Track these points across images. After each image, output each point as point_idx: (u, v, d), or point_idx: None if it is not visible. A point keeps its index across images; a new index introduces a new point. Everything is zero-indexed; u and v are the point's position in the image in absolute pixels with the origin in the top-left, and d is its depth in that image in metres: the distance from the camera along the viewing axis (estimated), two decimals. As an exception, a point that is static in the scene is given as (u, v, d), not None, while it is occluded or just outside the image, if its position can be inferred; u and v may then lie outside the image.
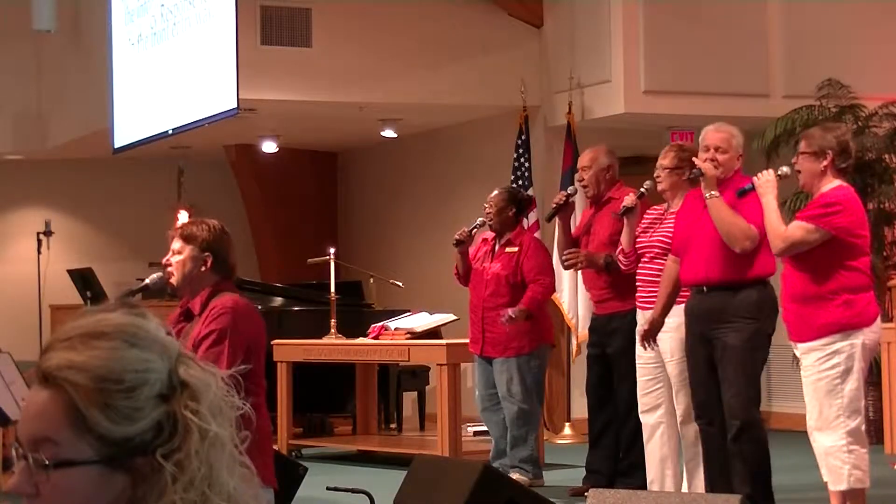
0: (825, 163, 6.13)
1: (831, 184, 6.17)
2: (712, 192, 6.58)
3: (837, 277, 6.06)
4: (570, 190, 8.42)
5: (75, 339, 1.60)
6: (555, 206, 8.27)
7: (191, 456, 1.58)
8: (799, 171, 6.18)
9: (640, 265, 7.41)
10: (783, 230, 6.06)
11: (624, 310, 7.77)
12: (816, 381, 6.04)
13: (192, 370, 1.63)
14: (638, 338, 7.15)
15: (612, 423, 8.08)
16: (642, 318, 7.31)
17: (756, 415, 6.70)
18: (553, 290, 8.94)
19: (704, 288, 6.69)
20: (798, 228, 6.05)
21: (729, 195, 6.64)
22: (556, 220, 8.37)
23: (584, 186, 8.20)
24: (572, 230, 8.35)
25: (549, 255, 8.89)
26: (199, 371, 1.63)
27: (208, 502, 1.58)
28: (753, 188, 6.26)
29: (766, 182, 6.18)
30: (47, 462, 1.57)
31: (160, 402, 1.59)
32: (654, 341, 7.05)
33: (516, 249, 8.63)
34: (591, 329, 8.34)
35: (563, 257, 8.08)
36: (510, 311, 8.41)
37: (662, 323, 7.00)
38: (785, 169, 6.24)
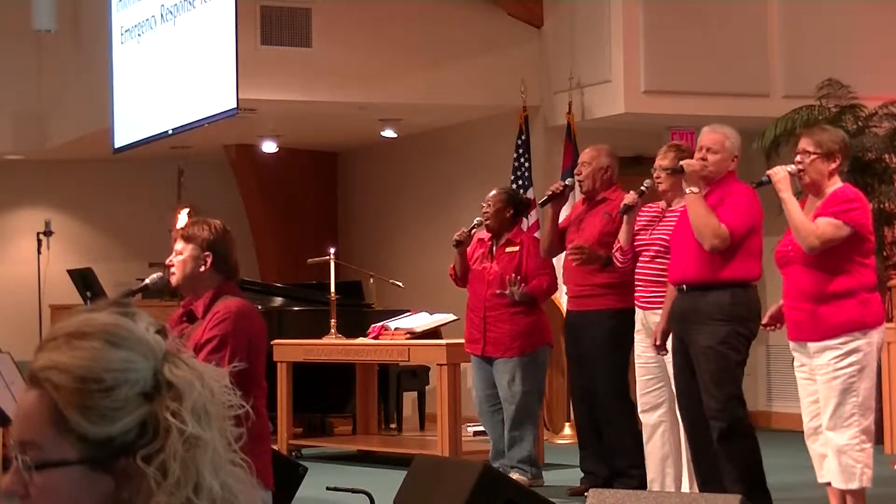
0: (834, 165, 6.13)
1: (837, 183, 6.18)
2: (692, 189, 6.65)
3: (855, 275, 6.05)
4: (568, 181, 8.45)
5: (60, 340, 1.61)
6: (550, 193, 8.29)
7: (170, 457, 1.57)
8: (802, 171, 6.16)
9: (640, 264, 7.41)
10: (815, 227, 6.03)
11: (608, 308, 7.81)
12: (831, 380, 6.01)
13: (178, 370, 1.61)
14: (651, 345, 7.10)
15: (597, 424, 8.08)
16: (643, 318, 7.32)
17: (738, 414, 6.68)
18: (555, 288, 8.93)
19: (684, 287, 6.73)
20: (828, 225, 6.02)
21: (717, 195, 6.66)
22: (548, 208, 8.39)
23: (581, 181, 8.22)
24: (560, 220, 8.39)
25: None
26: (185, 371, 1.62)
27: None
28: (769, 182, 6.25)
29: (784, 178, 6.17)
30: (31, 464, 1.57)
31: (143, 402, 1.59)
32: (665, 347, 7.05)
33: (517, 249, 8.64)
34: (566, 327, 8.28)
35: (568, 251, 8.02)
36: (514, 290, 8.41)
37: (669, 328, 6.99)
38: (793, 167, 6.24)
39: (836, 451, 6.03)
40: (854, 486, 6.03)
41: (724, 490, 6.50)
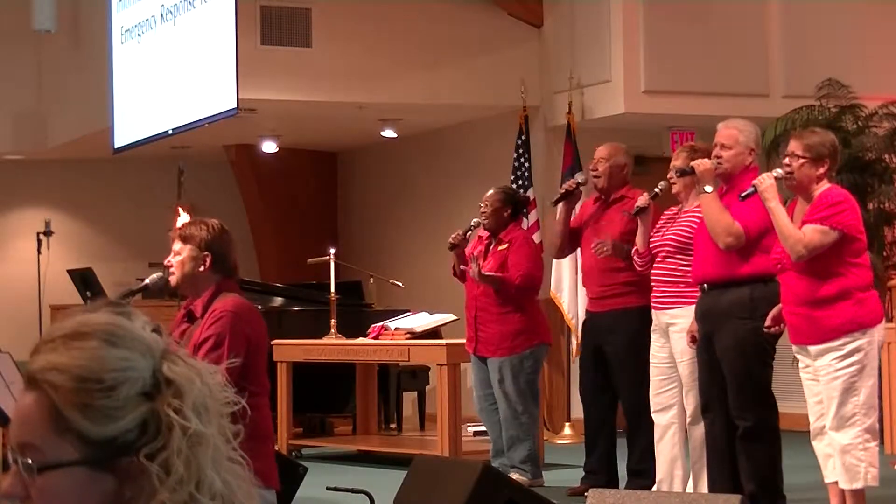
0: (822, 170, 6.11)
1: (825, 185, 6.16)
2: (706, 188, 6.64)
3: (848, 276, 6.04)
4: (580, 178, 8.39)
5: (58, 341, 1.60)
6: (563, 191, 8.24)
7: (174, 454, 1.57)
8: (790, 174, 6.15)
9: (654, 265, 7.37)
10: (801, 235, 6.02)
11: (633, 306, 7.76)
12: (832, 381, 6.00)
13: (176, 367, 1.61)
14: (687, 339, 7.08)
15: (605, 425, 8.06)
16: (655, 318, 7.29)
17: (763, 414, 6.68)
18: (535, 284, 8.71)
19: (705, 286, 6.73)
20: (814, 232, 6.01)
21: (735, 192, 6.64)
22: (561, 206, 8.32)
23: (596, 177, 8.13)
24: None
25: (538, 252, 8.86)
26: (183, 368, 1.62)
27: (195, 502, 1.58)
28: (755, 192, 6.24)
29: (769, 187, 6.15)
30: (32, 466, 1.57)
31: (143, 401, 1.59)
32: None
33: (507, 247, 8.60)
34: (588, 327, 8.22)
35: (593, 247, 7.84)
36: (475, 267, 8.37)
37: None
38: (780, 171, 6.23)
39: (839, 451, 6.04)
40: (859, 485, 6.03)
41: (736, 488, 6.52)
